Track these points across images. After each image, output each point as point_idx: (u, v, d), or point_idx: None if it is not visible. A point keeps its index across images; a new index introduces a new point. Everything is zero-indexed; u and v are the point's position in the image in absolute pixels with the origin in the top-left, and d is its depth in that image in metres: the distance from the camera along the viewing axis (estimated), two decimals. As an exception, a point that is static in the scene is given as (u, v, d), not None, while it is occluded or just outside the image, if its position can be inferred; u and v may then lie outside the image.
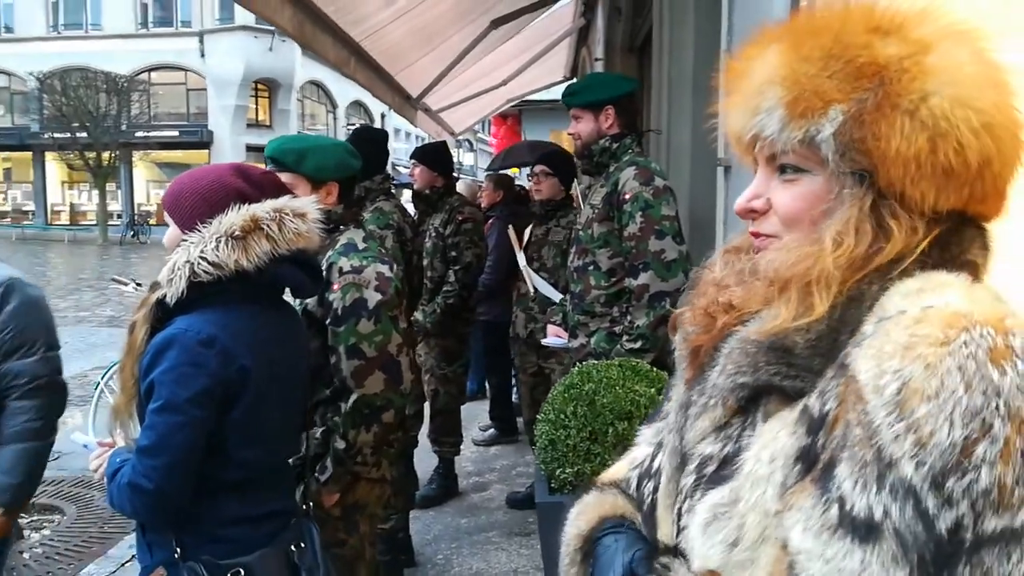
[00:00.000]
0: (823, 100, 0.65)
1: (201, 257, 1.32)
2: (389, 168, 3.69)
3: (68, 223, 26.27)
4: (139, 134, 23.96)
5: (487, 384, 5.35)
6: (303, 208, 1.45)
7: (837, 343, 0.64)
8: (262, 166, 1.69)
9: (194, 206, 1.40)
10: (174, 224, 1.44)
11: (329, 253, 1.88)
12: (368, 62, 4.37)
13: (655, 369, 1.90)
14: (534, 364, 3.63)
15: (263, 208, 1.38)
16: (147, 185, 26.80)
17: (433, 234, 3.70)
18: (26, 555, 3.41)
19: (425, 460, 3.92)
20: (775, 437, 0.65)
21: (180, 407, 1.31)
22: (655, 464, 0.86)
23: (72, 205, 27.05)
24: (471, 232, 3.71)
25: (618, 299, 2.31)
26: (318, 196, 1.88)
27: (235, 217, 1.35)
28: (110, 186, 24.38)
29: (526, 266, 3.51)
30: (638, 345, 2.17)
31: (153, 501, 1.32)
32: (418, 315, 3.57)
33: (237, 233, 1.34)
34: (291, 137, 2.01)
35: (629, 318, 2.23)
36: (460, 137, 13.78)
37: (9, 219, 26.63)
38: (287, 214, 1.40)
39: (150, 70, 25.18)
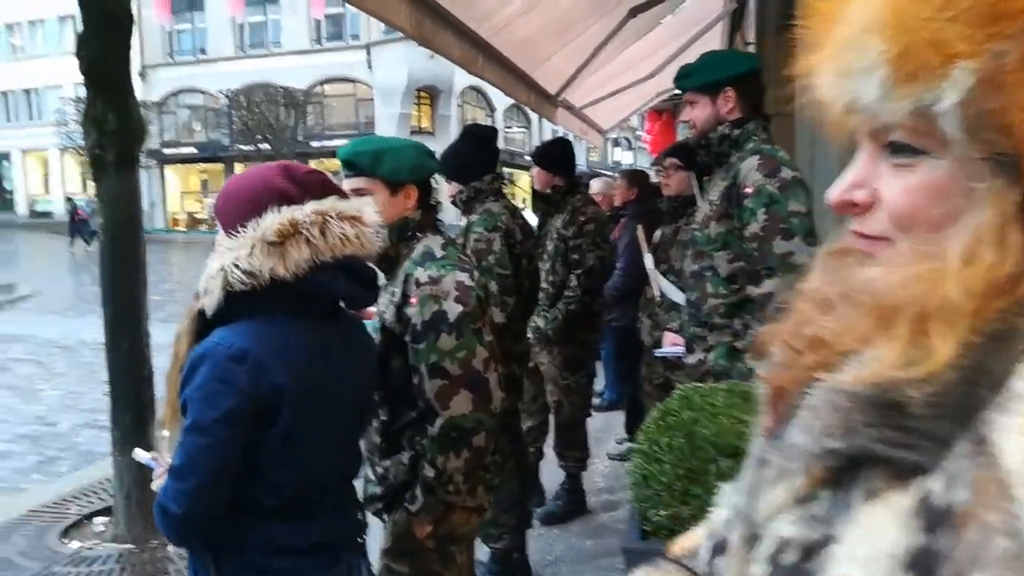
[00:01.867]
0: (943, 55, 0.44)
1: (234, 264, 1.22)
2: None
3: (257, 228, 28.80)
4: (314, 144, 25.69)
5: (624, 393, 5.07)
6: (354, 210, 1.31)
7: (973, 401, 0.44)
8: (314, 166, 1.56)
9: (237, 208, 1.30)
10: (220, 228, 1.34)
11: (406, 263, 1.74)
12: (498, 59, 4.25)
13: (775, 396, 1.59)
14: (660, 375, 3.34)
15: (304, 211, 1.25)
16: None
17: (554, 236, 3.50)
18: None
19: (555, 472, 3.75)
20: (878, 529, 0.46)
21: (207, 428, 1.21)
22: (730, 536, 0.65)
23: (258, 212, 29.58)
24: (594, 234, 3.48)
25: (740, 309, 2.00)
26: (396, 200, 1.78)
27: (272, 221, 1.23)
28: (288, 193, 26.35)
29: (653, 268, 3.23)
30: None
31: (180, 526, 1.24)
32: (539, 322, 3.40)
33: (273, 238, 1.22)
34: (365, 139, 1.90)
35: (753, 332, 1.92)
36: (614, 135, 13.52)
37: (206, 225, 29.49)
38: (331, 217, 1.27)
39: (323, 83, 26.93)
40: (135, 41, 3.88)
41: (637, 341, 3.82)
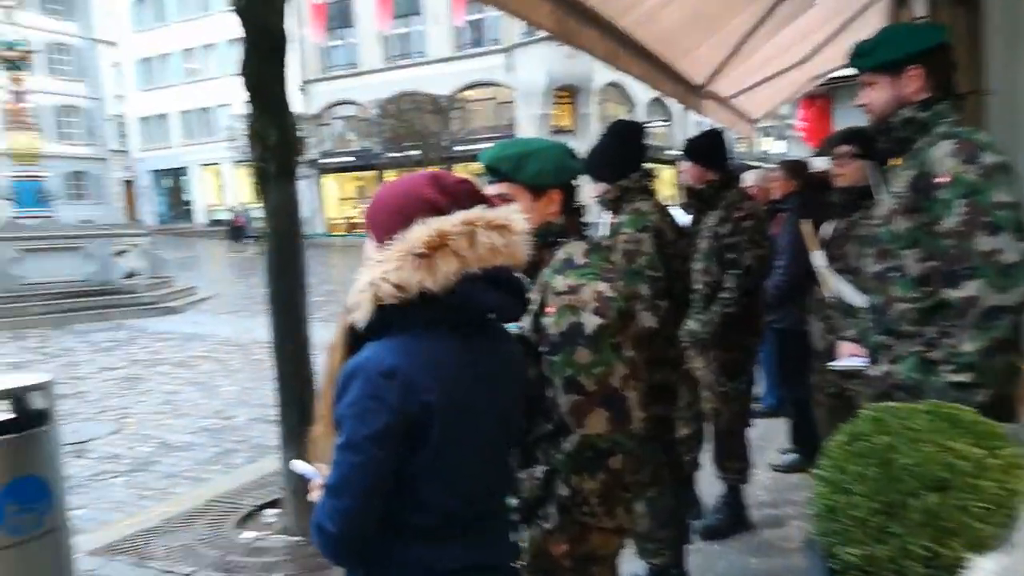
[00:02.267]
0: None
1: (383, 278, 1.18)
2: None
3: (409, 232, 30.08)
4: (458, 148, 26.41)
5: (787, 400, 4.73)
6: (502, 219, 1.25)
7: None
8: (466, 175, 1.51)
9: (386, 219, 1.26)
10: (371, 239, 1.30)
11: (546, 270, 1.64)
12: (642, 52, 4.10)
13: (985, 419, 1.35)
14: (833, 384, 3.06)
15: (451, 221, 1.20)
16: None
17: (708, 234, 3.30)
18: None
19: (713, 484, 3.56)
20: None
21: (360, 446, 1.18)
22: None
23: (408, 215, 30.77)
24: (751, 231, 3.24)
25: (934, 315, 1.75)
26: (539, 205, 1.70)
27: (420, 232, 1.19)
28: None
29: (825, 267, 2.95)
30: (964, 378, 1.63)
31: (337, 546, 1.22)
32: (693, 325, 3.22)
33: (421, 250, 1.18)
34: (507, 143, 1.79)
35: (951, 341, 1.68)
36: (763, 124, 12.85)
37: (362, 229, 31.07)
38: (479, 227, 1.21)
39: (466, 88, 27.61)
40: (296, 58, 4.07)
41: (802, 344, 3.53)
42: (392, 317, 1.21)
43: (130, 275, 13.45)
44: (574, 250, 1.68)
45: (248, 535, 3.91)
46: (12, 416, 2.60)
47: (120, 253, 13.48)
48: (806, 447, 4.22)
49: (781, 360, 4.40)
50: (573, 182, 1.79)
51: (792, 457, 4.30)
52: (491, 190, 1.68)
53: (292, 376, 4.01)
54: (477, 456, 1.28)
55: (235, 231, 26.11)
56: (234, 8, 3.82)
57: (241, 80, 3.84)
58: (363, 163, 29.56)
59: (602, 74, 25.50)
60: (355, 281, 1.23)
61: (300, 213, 4.19)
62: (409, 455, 1.20)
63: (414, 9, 27.98)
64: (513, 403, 1.38)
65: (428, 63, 28.05)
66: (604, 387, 1.53)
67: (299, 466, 1.44)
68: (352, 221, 31.77)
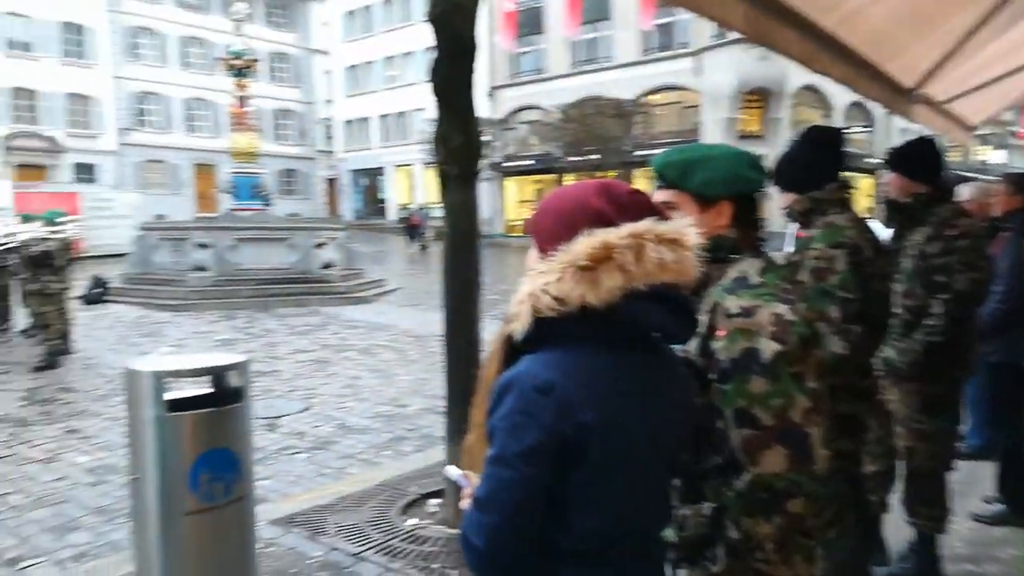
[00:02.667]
0: None
1: (543, 290, 1.14)
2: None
3: (582, 235, 30.17)
4: (639, 153, 26.06)
5: (997, 442, 4.16)
6: (673, 232, 1.17)
7: None
8: (637, 185, 1.42)
9: (551, 228, 1.21)
10: (534, 248, 1.26)
11: (714, 288, 1.51)
12: (844, 53, 3.77)
13: None
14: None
15: (619, 233, 1.14)
16: (646, 199, 29.04)
17: (913, 253, 2.95)
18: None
19: (902, 529, 3.20)
20: None
21: (511, 461, 1.14)
22: None
23: (583, 219, 30.82)
24: (966, 251, 2.85)
25: None
26: (707, 217, 1.56)
27: (584, 244, 1.14)
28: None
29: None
30: None
31: (479, 559, 1.19)
32: (890, 353, 2.90)
33: (584, 263, 1.12)
34: (679, 148, 1.67)
35: None
36: (981, 131, 11.53)
37: (537, 232, 31.56)
38: (648, 240, 1.14)
39: (651, 93, 27.21)
40: (485, 64, 4.16)
41: (1019, 380, 3.09)
42: (551, 330, 1.16)
43: (327, 266, 14.53)
44: (748, 268, 1.53)
45: (411, 522, 4.04)
46: (211, 392, 2.84)
47: (320, 245, 14.61)
48: (1015, 498, 3.74)
49: (993, 397, 3.89)
50: (751, 193, 1.63)
51: (998, 508, 3.79)
52: (658, 196, 1.60)
53: (461, 372, 4.08)
54: (632, 481, 1.21)
55: (410, 229, 27.55)
56: (428, 17, 3.96)
57: (430, 85, 3.99)
58: (543, 167, 29.99)
59: (798, 76, 24.09)
60: (517, 290, 1.20)
61: (479, 214, 4.28)
62: (561, 475, 1.15)
63: (603, 14, 27.98)
64: (674, 429, 1.29)
65: (614, 68, 27.95)
66: (782, 421, 1.37)
67: (452, 472, 1.42)
68: (530, 223, 32.32)
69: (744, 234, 1.60)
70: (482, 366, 1.30)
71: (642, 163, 26.67)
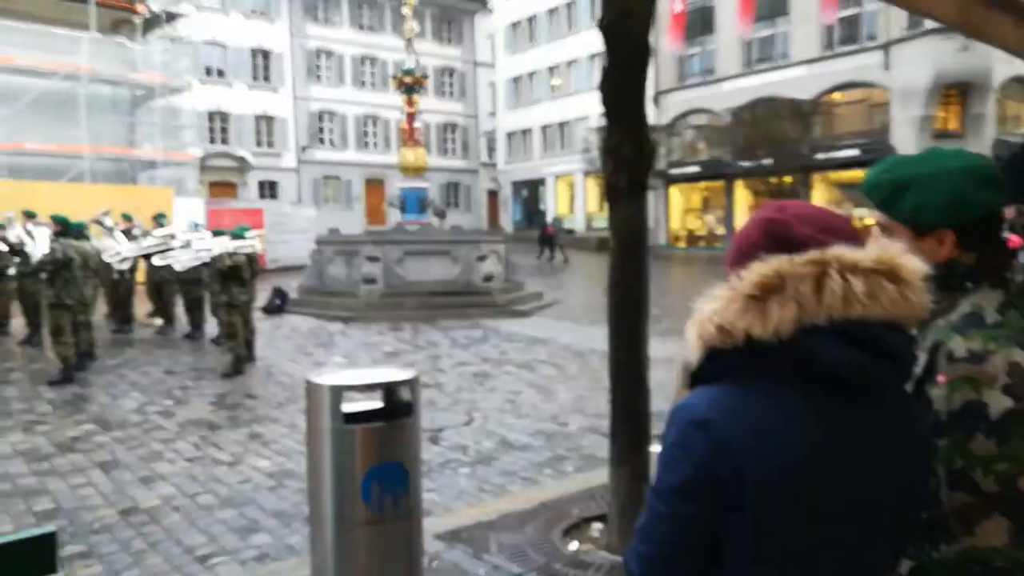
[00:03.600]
0: None
1: (709, 318, 1.07)
2: None
3: (751, 245, 28.78)
4: (819, 156, 24.44)
5: None
6: (872, 261, 1.03)
7: None
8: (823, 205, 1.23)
9: (734, 253, 1.14)
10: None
11: (938, 322, 1.27)
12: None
13: None
14: None
15: (796, 260, 1.03)
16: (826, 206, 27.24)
17: None
18: None
19: None
20: None
21: (665, 495, 1.07)
22: None
23: (754, 228, 29.40)
24: None
25: None
26: (924, 245, 1.32)
27: (755, 270, 1.05)
28: (788, 208, 25.63)
29: None
30: None
31: None
32: None
33: (752, 291, 1.03)
34: (889, 163, 1.41)
35: None
36: None
37: (704, 242, 30.53)
38: (832, 268, 1.01)
39: (833, 91, 25.41)
40: (651, 70, 3.97)
41: None
42: (724, 361, 1.07)
43: (488, 278, 14.73)
44: (985, 302, 1.28)
45: (573, 546, 3.95)
46: (383, 406, 2.85)
47: (481, 258, 14.85)
48: None
49: None
50: (983, 216, 1.33)
51: None
52: (876, 218, 1.41)
53: (627, 391, 3.93)
54: (809, 544, 1.04)
55: (544, 239, 27.63)
56: (599, 23, 3.83)
57: (599, 95, 3.84)
58: (712, 173, 28.93)
59: (1005, 66, 21.58)
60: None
61: (647, 227, 4.06)
62: (720, 520, 1.04)
63: (780, 10, 26.51)
64: (892, 495, 1.08)
65: (791, 65, 26.32)
66: (1008, 490, 1.17)
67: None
68: (695, 233, 31.39)
69: (982, 258, 1.33)
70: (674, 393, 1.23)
71: (823, 166, 25.05)
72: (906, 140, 22.78)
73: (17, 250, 10.39)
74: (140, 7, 20.32)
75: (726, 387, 1.06)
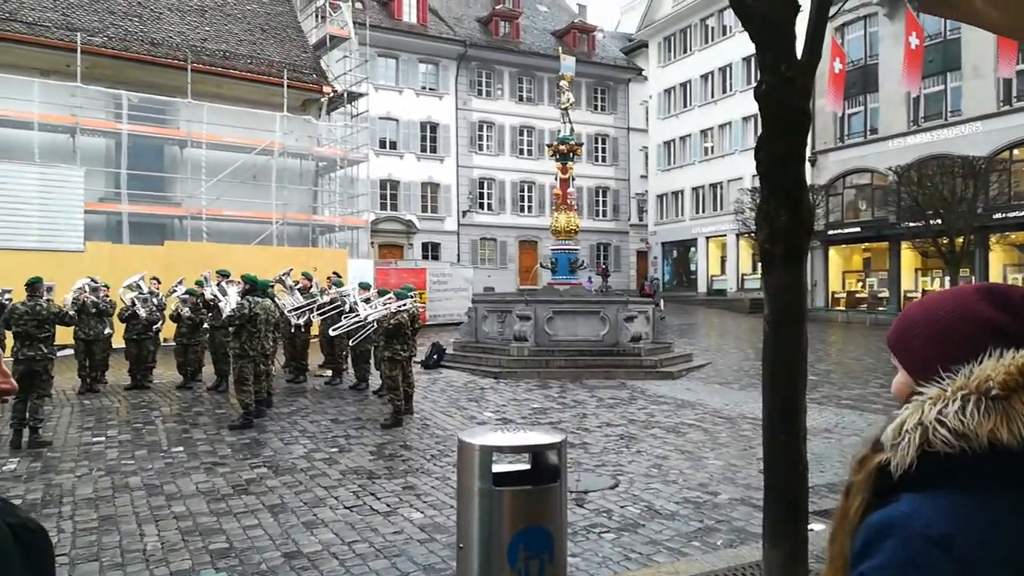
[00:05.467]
0: None
1: (939, 420, 0.95)
2: None
3: (919, 310, 26.62)
4: (996, 216, 22.53)
5: None
6: None
7: None
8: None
9: (928, 347, 1.03)
10: (902, 368, 1.08)
11: None
12: None
13: None
14: None
15: None
16: (1004, 269, 24.88)
17: None
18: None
19: None
20: None
21: None
22: None
23: (924, 292, 27.28)
24: None
25: None
26: None
27: (993, 367, 0.94)
28: (964, 272, 23.62)
29: None
30: None
31: None
32: None
33: (994, 391, 0.93)
34: None
35: None
36: None
37: (866, 305, 28.71)
38: None
39: (1011, 147, 23.50)
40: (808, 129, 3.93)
41: None
42: (943, 467, 0.95)
43: (636, 339, 14.66)
44: None
45: None
46: (531, 469, 2.94)
47: (629, 319, 14.83)
48: None
49: None
50: None
51: None
52: None
53: (782, 465, 3.77)
54: None
55: (643, 298, 27.11)
56: (755, 91, 3.85)
57: (755, 161, 3.84)
58: (874, 234, 27.37)
59: None
60: (895, 416, 1.01)
61: (805, 295, 3.98)
62: None
63: (952, 64, 25.04)
64: None
65: (963, 122, 24.72)
66: None
67: None
68: (856, 295, 29.62)
69: None
70: (842, 497, 1.10)
71: (999, 227, 23.03)
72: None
73: (211, 305, 11.62)
74: (326, 89, 22.49)
75: (956, 497, 0.95)
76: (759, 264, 3.95)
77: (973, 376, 0.95)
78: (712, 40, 36.85)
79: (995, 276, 24.81)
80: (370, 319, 10.27)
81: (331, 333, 11.68)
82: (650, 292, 27.72)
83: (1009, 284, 1.08)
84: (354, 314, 11.11)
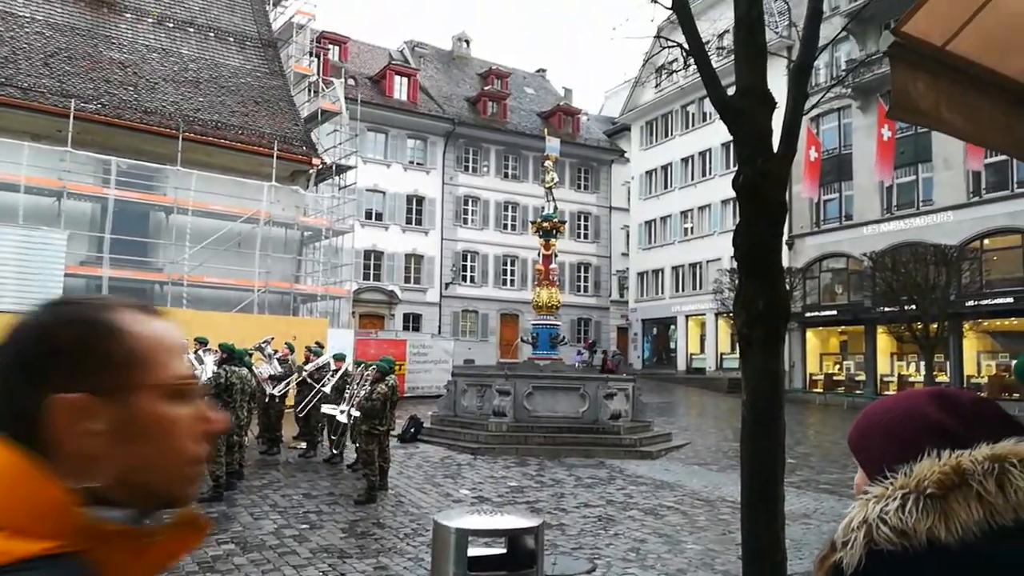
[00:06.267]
0: None
1: (881, 518, 0.96)
2: None
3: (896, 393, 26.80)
4: (969, 303, 23.01)
5: None
6: None
7: None
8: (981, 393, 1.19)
9: (880, 446, 1.06)
10: (860, 468, 1.11)
11: None
12: None
13: None
14: None
15: (975, 455, 0.96)
16: (978, 356, 25.24)
17: None
18: None
19: None
20: None
21: None
22: None
23: (900, 376, 27.54)
24: None
25: None
26: None
27: (930, 466, 0.97)
28: (938, 357, 23.92)
29: None
30: None
31: None
32: None
33: (929, 490, 0.95)
34: None
35: None
36: None
37: (843, 388, 28.86)
38: (1013, 465, 0.94)
39: (981, 236, 24.23)
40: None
41: None
42: (889, 566, 0.97)
43: (615, 416, 14.59)
44: None
45: None
46: (507, 553, 2.90)
47: (609, 396, 14.79)
48: None
49: None
50: None
51: None
52: None
53: (762, 551, 3.75)
54: None
55: (605, 374, 27.27)
56: (733, 183, 4.00)
57: (733, 247, 3.96)
58: (850, 317, 27.78)
59: None
60: (846, 515, 1.05)
61: (783, 382, 4.03)
62: None
63: (923, 156, 26.00)
64: None
65: (933, 211, 25.55)
66: None
67: None
68: (834, 378, 29.84)
69: None
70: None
71: (972, 315, 23.49)
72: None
73: (187, 372, 11.44)
74: (315, 161, 22.85)
75: None
76: (737, 344, 4.01)
77: (912, 475, 0.97)
78: (692, 126, 38.10)
79: (969, 362, 25.17)
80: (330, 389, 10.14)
81: (299, 413, 11.64)
82: (612, 367, 27.63)
83: (960, 389, 1.12)
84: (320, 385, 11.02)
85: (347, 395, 10.98)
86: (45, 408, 0.76)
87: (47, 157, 18.40)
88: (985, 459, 0.95)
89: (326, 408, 11.45)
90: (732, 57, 4.21)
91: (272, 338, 13.37)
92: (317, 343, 14.37)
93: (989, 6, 2.35)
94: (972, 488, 0.94)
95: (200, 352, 11.05)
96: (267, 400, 12.32)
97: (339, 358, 12.74)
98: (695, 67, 4.38)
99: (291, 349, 13.51)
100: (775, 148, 4.01)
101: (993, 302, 23.24)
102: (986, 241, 24.44)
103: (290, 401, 13.09)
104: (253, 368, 11.02)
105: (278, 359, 12.88)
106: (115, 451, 0.79)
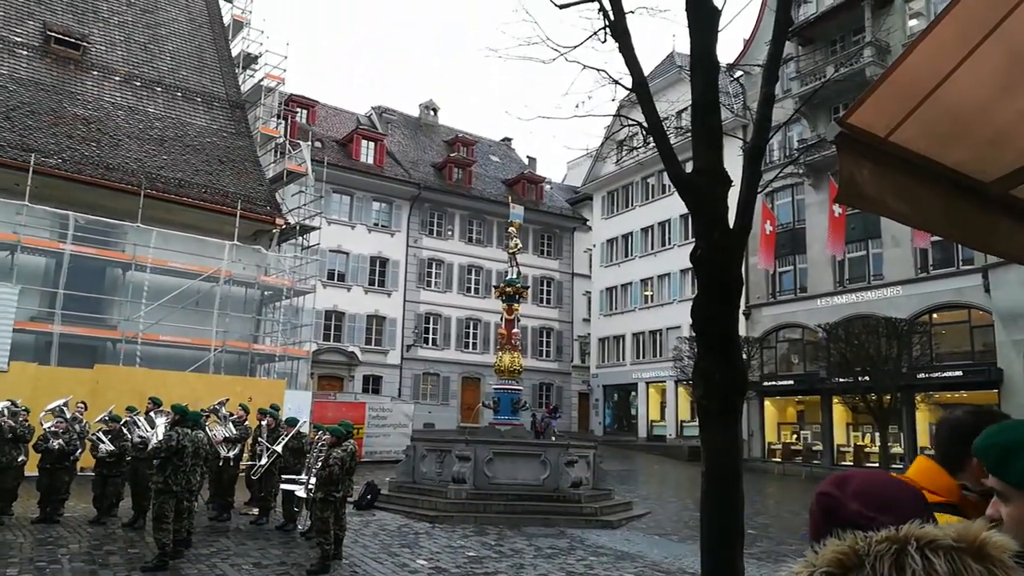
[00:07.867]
0: None
1: None
2: None
3: (852, 463, 27.04)
4: (920, 375, 23.58)
5: None
6: (956, 538, 0.98)
7: None
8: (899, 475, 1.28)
9: (814, 521, 1.18)
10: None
11: None
12: None
13: None
14: None
15: (871, 539, 1.00)
16: (930, 427, 25.72)
17: None
18: None
19: None
20: None
21: None
22: None
23: (856, 446, 27.87)
24: None
25: None
26: None
27: (830, 549, 1.02)
28: (892, 428, 24.33)
29: None
30: None
31: None
32: None
33: (827, 569, 1.00)
34: (1001, 428, 1.42)
35: None
36: None
37: (801, 458, 29.07)
38: (911, 546, 0.97)
39: (930, 311, 25.05)
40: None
41: None
42: None
43: (577, 484, 14.46)
44: None
45: None
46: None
47: (570, 463, 14.68)
48: None
49: None
50: None
51: None
52: (990, 483, 1.39)
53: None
54: None
55: (536, 437, 27.01)
56: (691, 256, 4.13)
57: (692, 319, 4.07)
58: (806, 387, 28.22)
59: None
60: None
61: (741, 453, 4.09)
62: None
63: (872, 232, 27.00)
64: None
65: (884, 286, 26.41)
66: None
67: None
68: (792, 447, 30.05)
69: None
70: None
71: (923, 386, 24.05)
72: (1014, 364, 21.79)
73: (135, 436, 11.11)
74: (279, 220, 22.82)
75: None
76: (696, 413, 4.08)
77: (819, 555, 1.02)
78: (652, 197, 39.10)
79: (922, 434, 25.63)
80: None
81: (252, 477, 11.33)
82: (540, 429, 27.32)
83: (887, 476, 1.21)
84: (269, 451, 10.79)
85: (307, 463, 10.74)
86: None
87: (3, 210, 18.11)
88: (883, 541, 0.99)
89: (286, 486, 11.15)
90: (690, 135, 4.41)
91: (227, 400, 13.09)
92: (272, 405, 14.09)
93: (930, 99, 2.52)
94: (864, 569, 0.97)
95: (152, 413, 10.75)
96: (220, 463, 11.96)
97: (291, 423, 12.50)
98: (654, 143, 4.57)
99: (246, 411, 13.22)
100: (731, 223, 4.17)
101: (943, 375, 23.86)
102: (935, 315, 25.25)
103: (243, 465, 12.73)
104: (207, 430, 10.72)
105: (233, 421, 12.58)
106: None
